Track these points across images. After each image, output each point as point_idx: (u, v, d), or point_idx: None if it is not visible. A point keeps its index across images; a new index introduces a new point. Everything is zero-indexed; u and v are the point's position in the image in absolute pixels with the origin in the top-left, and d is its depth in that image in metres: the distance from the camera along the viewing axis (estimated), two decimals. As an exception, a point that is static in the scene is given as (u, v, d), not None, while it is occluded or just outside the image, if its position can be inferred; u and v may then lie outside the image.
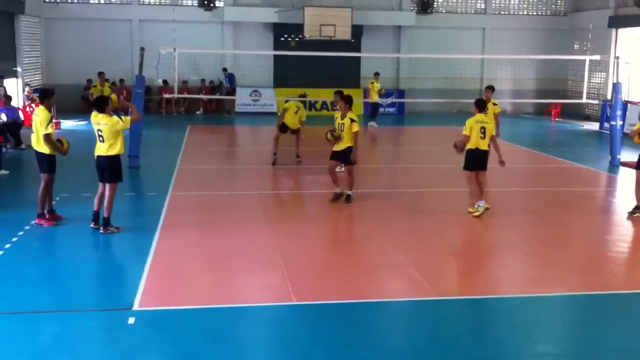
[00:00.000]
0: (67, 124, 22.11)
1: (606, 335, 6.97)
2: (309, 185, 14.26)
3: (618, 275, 8.87)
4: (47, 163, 10.28)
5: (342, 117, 11.79)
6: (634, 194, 11.55)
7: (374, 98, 23.59)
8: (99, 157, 9.94)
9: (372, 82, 23.80)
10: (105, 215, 9.91)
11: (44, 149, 10.17)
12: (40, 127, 10.05)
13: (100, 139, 9.86)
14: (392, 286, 8.24)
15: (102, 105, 9.90)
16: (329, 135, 11.97)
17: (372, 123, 23.65)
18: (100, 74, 24.16)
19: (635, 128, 11.50)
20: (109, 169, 9.86)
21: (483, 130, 11.17)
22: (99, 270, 8.66)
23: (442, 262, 9.22)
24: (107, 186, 9.91)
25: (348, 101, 11.94)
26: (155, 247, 9.32)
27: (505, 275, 8.92)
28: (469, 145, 11.21)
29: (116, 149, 9.86)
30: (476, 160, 11.27)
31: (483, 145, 11.22)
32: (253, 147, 20.67)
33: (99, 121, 9.82)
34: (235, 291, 7.93)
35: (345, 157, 11.90)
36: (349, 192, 12.02)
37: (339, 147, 11.88)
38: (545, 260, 9.18)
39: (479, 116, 11.32)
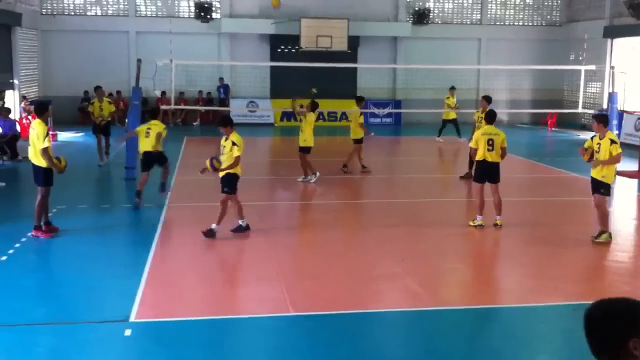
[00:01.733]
0: (64, 135, 22.11)
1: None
2: (306, 196, 14.25)
3: (615, 285, 8.86)
4: (43, 176, 10.26)
5: (226, 139, 10.80)
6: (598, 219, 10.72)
7: (449, 111, 22.05)
8: (149, 152, 12.37)
9: (448, 97, 22.54)
10: (140, 189, 12.36)
11: (40, 162, 10.15)
12: (37, 141, 10.04)
13: (147, 135, 12.35)
14: (389, 297, 8.24)
15: (154, 113, 13.07)
16: (215, 163, 10.80)
17: (439, 139, 22.39)
18: (98, 89, 18.25)
19: (585, 145, 10.58)
20: (159, 159, 12.68)
21: (491, 142, 11.13)
22: (95, 282, 8.62)
23: (439, 272, 9.22)
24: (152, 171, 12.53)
25: (228, 122, 10.88)
26: (152, 258, 9.31)
27: (502, 285, 8.93)
28: (477, 157, 11.24)
29: (160, 147, 12.60)
30: (484, 172, 11.24)
31: (491, 157, 11.16)
32: (249, 159, 20.58)
33: (151, 125, 12.44)
34: (232, 302, 7.92)
35: (226, 184, 10.58)
36: (242, 222, 10.68)
37: (221, 173, 10.64)
38: (542, 270, 9.18)
39: (488, 128, 11.29)
